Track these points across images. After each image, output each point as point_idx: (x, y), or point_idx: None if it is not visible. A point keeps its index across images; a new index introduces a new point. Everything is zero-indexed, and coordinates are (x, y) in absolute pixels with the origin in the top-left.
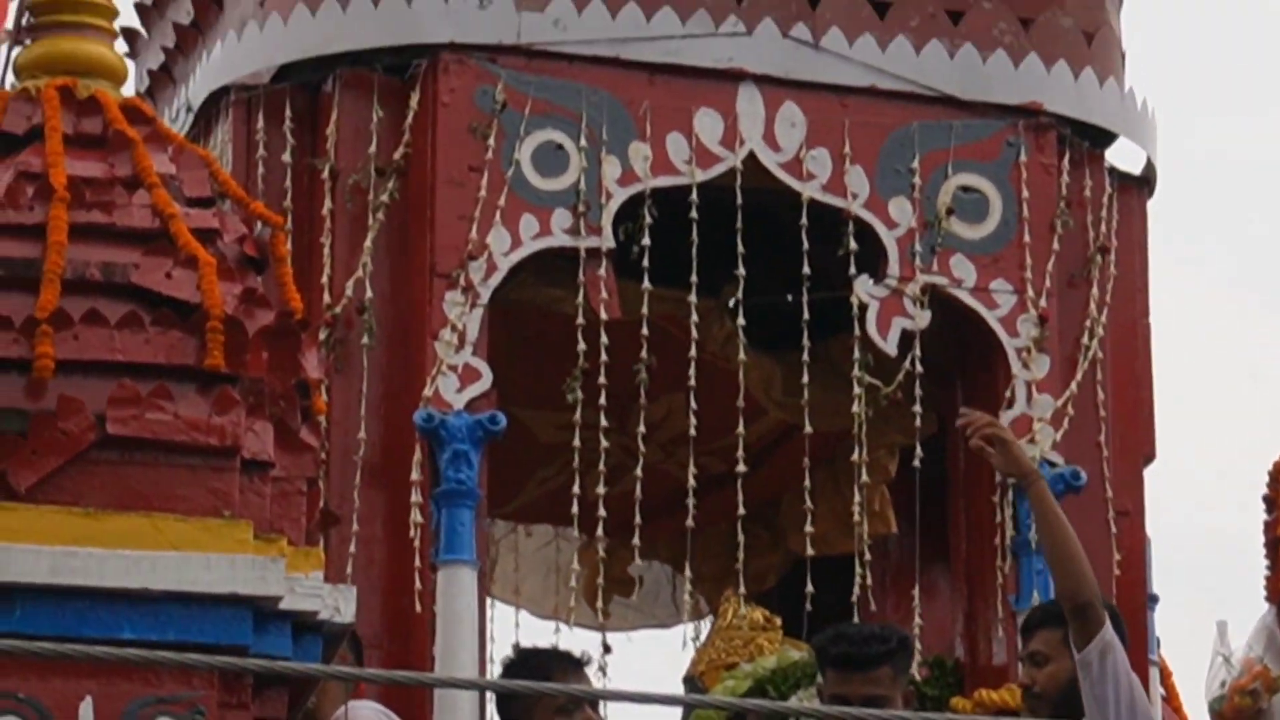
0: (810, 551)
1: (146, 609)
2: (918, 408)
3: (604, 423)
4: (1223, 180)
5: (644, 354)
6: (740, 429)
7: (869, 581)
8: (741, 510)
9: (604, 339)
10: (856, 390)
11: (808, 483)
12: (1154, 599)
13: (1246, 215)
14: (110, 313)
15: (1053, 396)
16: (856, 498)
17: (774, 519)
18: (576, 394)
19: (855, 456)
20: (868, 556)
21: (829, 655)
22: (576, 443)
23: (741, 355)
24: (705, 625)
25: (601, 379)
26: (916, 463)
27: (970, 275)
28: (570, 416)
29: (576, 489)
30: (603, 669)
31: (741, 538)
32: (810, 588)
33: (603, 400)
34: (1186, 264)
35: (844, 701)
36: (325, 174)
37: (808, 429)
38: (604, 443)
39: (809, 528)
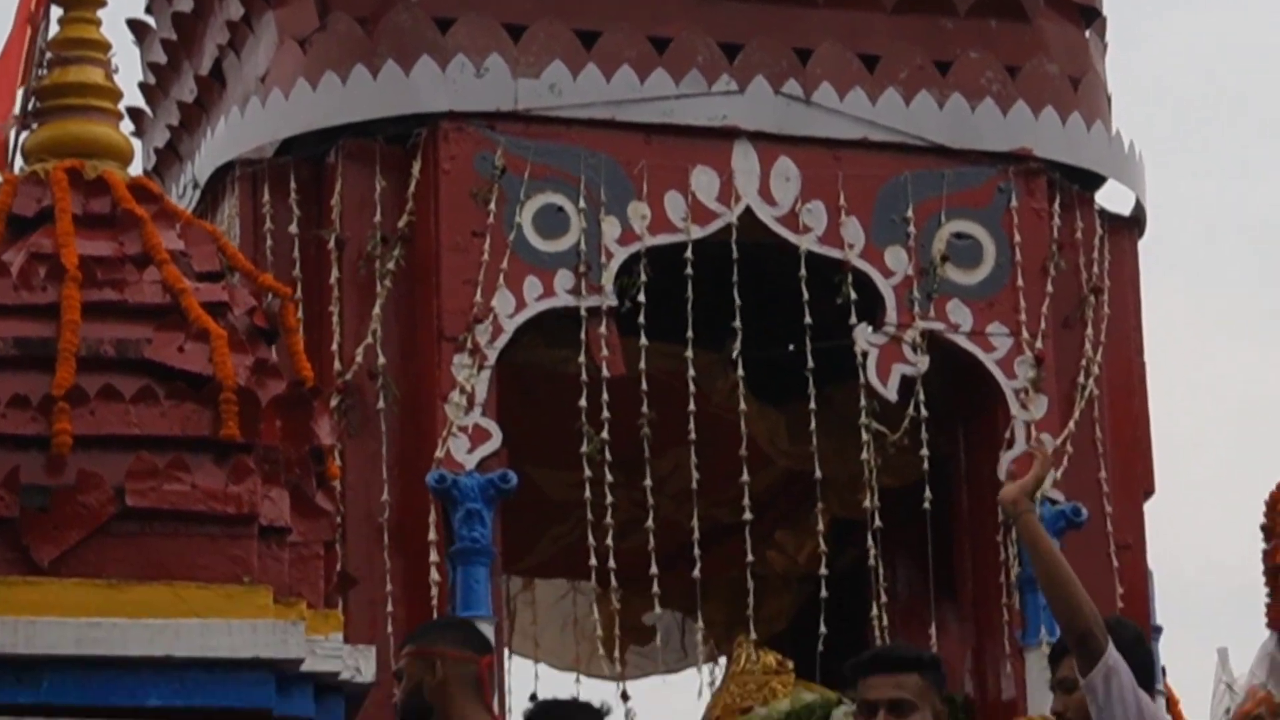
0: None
1: (171, 676)
2: (925, 451)
3: (609, 478)
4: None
5: (644, 409)
6: (745, 477)
7: (885, 622)
8: (750, 558)
9: (606, 396)
10: (865, 437)
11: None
12: (1158, 630)
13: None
14: (125, 388)
15: (1052, 435)
16: (870, 547)
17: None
18: (592, 449)
19: (867, 503)
20: (884, 599)
21: (861, 665)
22: (588, 497)
23: (744, 406)
24: (719, 670)
25: (605, 435)
26: (926, 505)
27: (967, 320)
28: (581, 474)
29: (592, 541)
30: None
31: (751, 584)
32: (823, 629)
33: (608, 456)
34: (1181, 299)
35: (872, 708)
36: (331, 244)
37: (818, 474)
38: (609, 498)
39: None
